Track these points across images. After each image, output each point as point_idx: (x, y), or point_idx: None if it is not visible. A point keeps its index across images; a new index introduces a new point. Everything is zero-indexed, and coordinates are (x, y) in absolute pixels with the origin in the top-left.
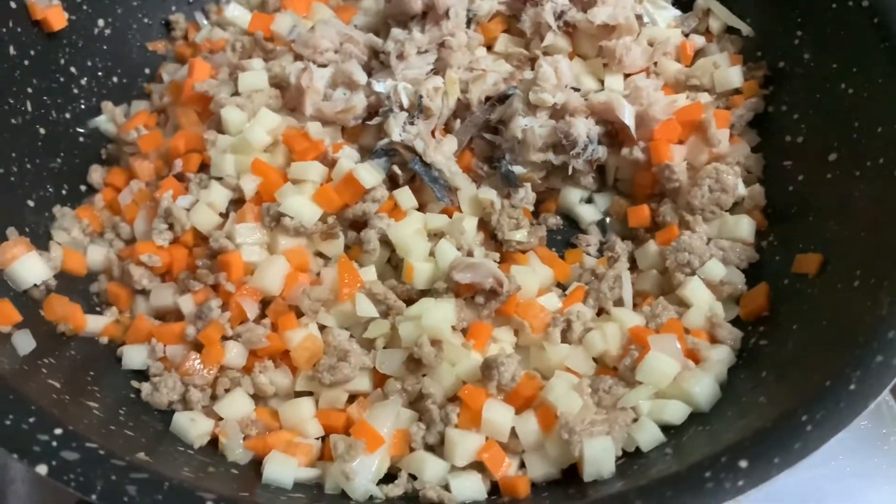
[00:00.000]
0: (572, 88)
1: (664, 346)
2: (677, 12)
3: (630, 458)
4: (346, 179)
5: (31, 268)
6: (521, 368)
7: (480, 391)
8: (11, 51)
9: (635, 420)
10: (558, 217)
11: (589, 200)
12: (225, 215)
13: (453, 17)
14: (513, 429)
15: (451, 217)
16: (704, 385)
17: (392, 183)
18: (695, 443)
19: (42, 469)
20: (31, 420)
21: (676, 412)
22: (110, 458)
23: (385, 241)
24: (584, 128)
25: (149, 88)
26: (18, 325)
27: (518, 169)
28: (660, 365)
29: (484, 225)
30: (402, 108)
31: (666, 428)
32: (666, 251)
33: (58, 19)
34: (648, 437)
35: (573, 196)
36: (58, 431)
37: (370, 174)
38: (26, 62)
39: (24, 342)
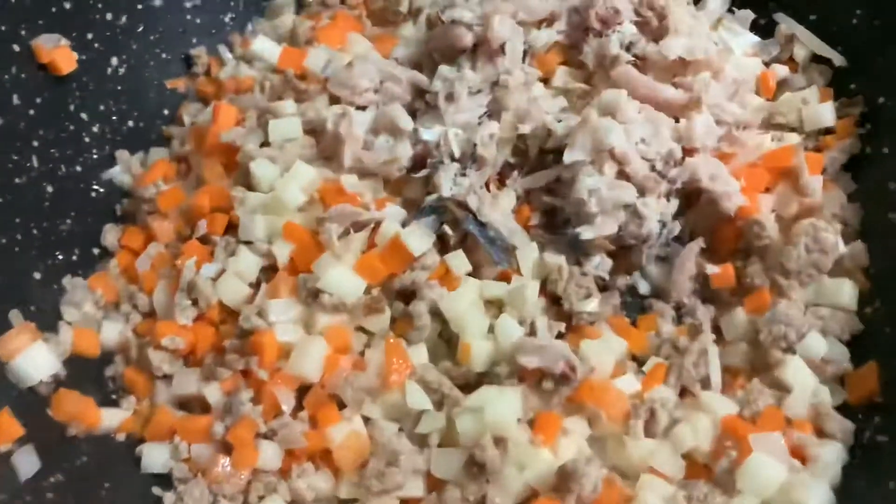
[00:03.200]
0: (641, 141)
1: (767, 447)
2: (756, 39)
3: None
4: (392, 245)
5: (39, 360)
6: (600, 468)
7: None
8: (15, 100)
9: None
10: (628, 276)
11: (663, 258)
12: (256, 284)
13: (509, 52)
14: None
15: (509, 280)
16: (818, 494)
17: (441, 242)
18: None
19: None
20: None
21: None
22: None
23: (437, 313)
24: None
25: (168, 132)
26: (21, 440)
27: (587, 233)
28: (764, 470)
29: (545, 287)
30: (452, 158)
31: None
32: (758, 322)
33: (67, 61)
34: None
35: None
36: None
37: (419, 239)
38: (31, 111)
39: (27, 462)
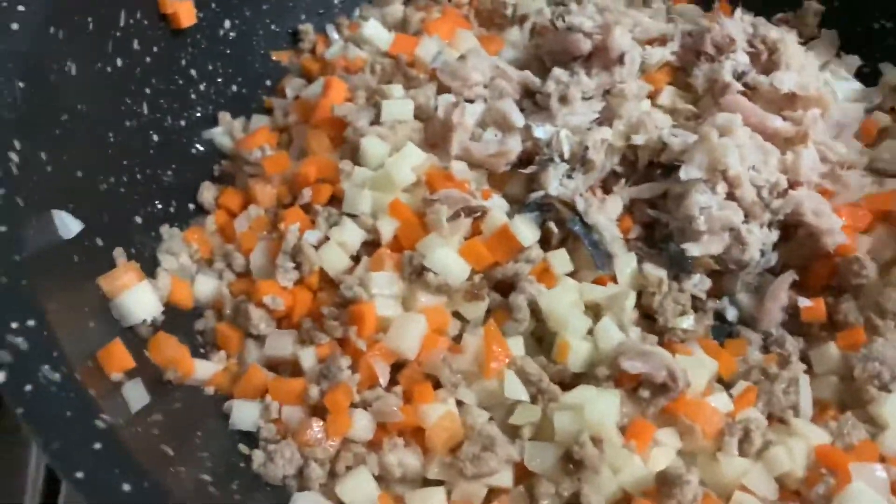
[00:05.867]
0: (752, 168)
1: (868, 477)
2: (860, 85)
3: None
4: (501, 234)
5: (143, 300)
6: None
7: None
8: (135, 45)
9: None
10: (719, 301)
11: (755, 287)
12: (356, 258)
13: (629, 63)
14: None
15: (603, 287)
16: None
17: (542, 241)
18: None
19: None
20: None
21: None
22: None
23: (531, 309)
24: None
25: (269, 102)
26: (130, 373)
27: (694, 250)
28: (864, 500)
29: (638, 301)
30: (562, 158)
31: None
32: (851, 357)
33: (188, 15)
34: None
35: (741, 282)
36: None
37: (529, 230)
38: (148, 59)
39: (137, 395)
